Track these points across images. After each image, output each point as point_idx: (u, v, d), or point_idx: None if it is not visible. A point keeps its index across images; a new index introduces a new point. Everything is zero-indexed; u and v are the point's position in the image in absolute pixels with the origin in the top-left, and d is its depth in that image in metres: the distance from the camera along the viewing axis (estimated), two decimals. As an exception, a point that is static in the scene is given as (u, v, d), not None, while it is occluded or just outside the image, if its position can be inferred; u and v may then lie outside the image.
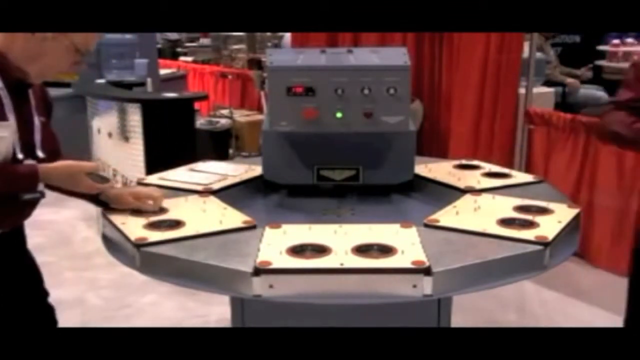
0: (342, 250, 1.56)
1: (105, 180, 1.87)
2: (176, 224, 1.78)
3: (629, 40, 6.12)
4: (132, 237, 1.69)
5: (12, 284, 1.91)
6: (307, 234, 1.68)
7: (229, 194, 2.12)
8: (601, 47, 6.35)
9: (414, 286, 1.48)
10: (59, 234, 4.58)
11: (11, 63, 1.73)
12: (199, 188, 2.12)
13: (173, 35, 9.75)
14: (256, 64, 6.91)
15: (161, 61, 7.00)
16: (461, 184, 2.13)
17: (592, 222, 3.99)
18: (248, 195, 2.21)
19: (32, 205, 1.85)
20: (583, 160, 4.07)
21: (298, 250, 1.57)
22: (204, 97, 5.72)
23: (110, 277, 3.80)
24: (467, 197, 2.01)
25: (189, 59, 8.91)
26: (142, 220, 1.81)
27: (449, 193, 2.10)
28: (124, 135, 4.43)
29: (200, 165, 2.43)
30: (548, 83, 5.37)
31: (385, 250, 1.57)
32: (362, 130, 2.06)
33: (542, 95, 4.87)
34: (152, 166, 3.29)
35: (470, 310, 3.10)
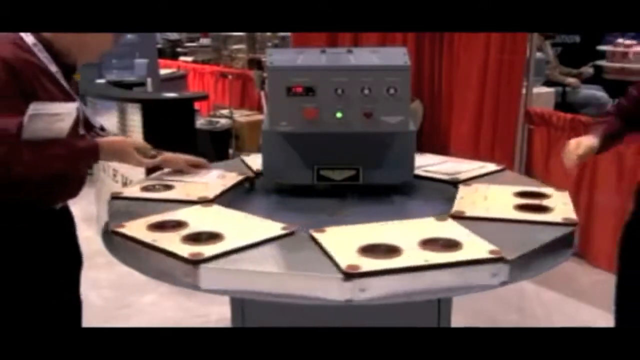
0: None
1: (153, 156, 2.10)
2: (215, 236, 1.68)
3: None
4: (185, 254, 1.56)
5: (59, 264, 2.04)
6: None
7: (227, 198, 2.09)
8: (601, 47, 6.35)
9: (494, 275, 1.53)
10: (59, 234, 4.57)
11: (61, 49, 1.84)
12: (194, 199, 2.01)
13: (173, 35, 9.73)
14: (256, 64, 6.90)
15: (161, 61, 6.99)
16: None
17: (592, 222, 3.99)
18: (247, 196, 2.22)
19: (84, 179, 2.03)
20: (583, 160, 4.06)
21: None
22: (204, 97, 5.72)
23: (110, 277, 3.80)
24: (467, 188, 2.09)
25: (189, 59, 8.90)
26: (183, 232, 1.70)
27: (441, 187, 2.21)
28: (124, 135, 4.43)
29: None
30: (548, 83, 5.38)
31: (452, 245, 1.61)
32: (362, 130, 2.06)
33: (542, 95, 4.87)
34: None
35: (470, 310, 3.10)
